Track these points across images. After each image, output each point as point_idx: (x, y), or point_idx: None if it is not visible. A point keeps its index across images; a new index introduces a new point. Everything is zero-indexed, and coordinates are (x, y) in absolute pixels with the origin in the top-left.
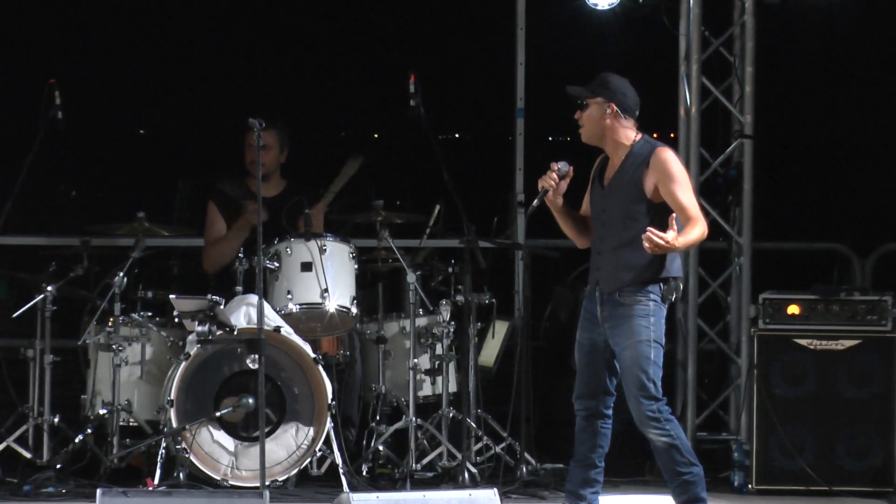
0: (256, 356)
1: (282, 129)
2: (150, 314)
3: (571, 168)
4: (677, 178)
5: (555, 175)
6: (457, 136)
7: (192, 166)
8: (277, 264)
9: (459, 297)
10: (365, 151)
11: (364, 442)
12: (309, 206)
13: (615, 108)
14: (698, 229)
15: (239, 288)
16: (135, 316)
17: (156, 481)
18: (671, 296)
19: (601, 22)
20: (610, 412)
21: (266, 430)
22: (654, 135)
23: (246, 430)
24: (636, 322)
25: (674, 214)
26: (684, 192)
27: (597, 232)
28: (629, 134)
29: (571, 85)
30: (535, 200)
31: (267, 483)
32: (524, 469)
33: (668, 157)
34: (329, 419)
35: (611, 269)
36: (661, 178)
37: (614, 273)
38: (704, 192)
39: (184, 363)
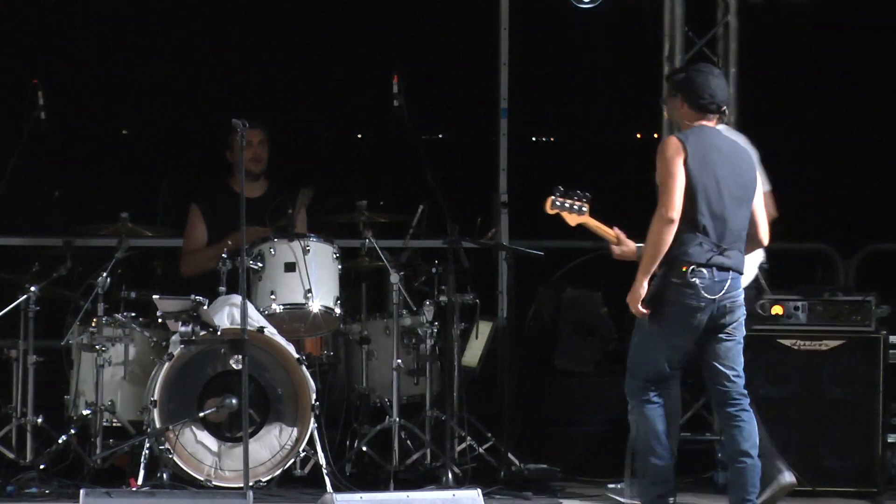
0: (240, 357)
1: (267, 127)
2: (133, 314)
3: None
4: (661, 171)
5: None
6: (440, 136)
7: (175, 167)
8: (261, 265)
9: (443, 298)
10: (314, 183)
11: (348, 442)
12: (292, 207)
13: (681, 99)
14: (653, 228)
15: (222, 288)
16: (118, 316)
17: (139, 482)
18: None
19: (585, 22)
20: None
21: (250, 430)
22: (638, 135)
23: (229, 430)
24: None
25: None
26: (662, 185)
27: None
28: (688, 124)
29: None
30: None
31: (250, 484)
32: (508, 469)
33: (665, 143)
34: (313, 420)
35: None
36: (657, 163)
37: None
38: None
39: (167, 363)
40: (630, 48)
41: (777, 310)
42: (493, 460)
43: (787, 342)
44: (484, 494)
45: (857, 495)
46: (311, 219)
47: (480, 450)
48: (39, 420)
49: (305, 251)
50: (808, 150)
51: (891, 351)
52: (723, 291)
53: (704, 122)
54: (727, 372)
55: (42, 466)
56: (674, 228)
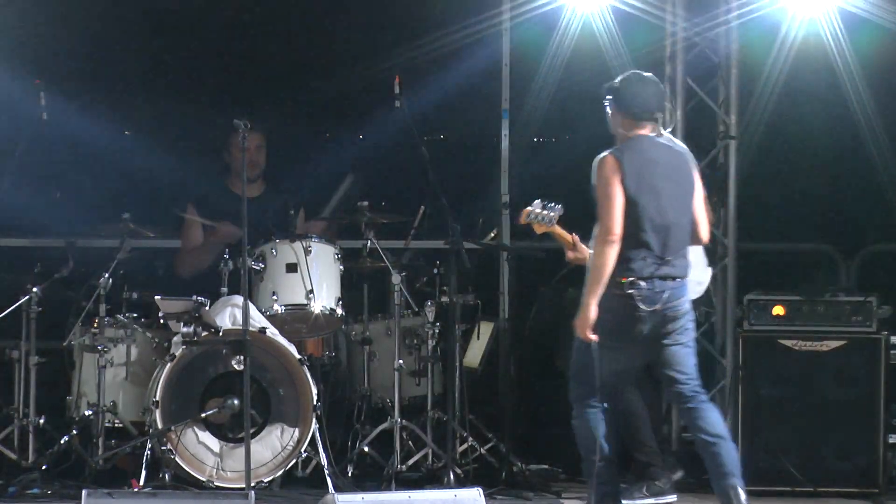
0: (242, 357)
1: (265, 131)
2: (135, 315)
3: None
4: (600, 187)
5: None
6: (442, 137)
7: (176, 168)
8: (263, 265)
9: (444, 298)
10: (356, 171)
11: (349, 443)
12: (292, 208)
13: (614, 108)
14: (597, 249)
15: (224, 289)
16: (120, 317)
17: (141, 482)
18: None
19: (586, 24)
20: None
21: (251, 431)
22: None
23: (231, 431)
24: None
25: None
26: (601, 204)
27: None
28: (623, 134)
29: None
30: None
31: (252, 484)
32: (510, 470)
33: (600, 161)
34: (314, 420)
35: None
36: (595, 182)
37: None
38: None
39: (169, 364)
40: (632, 49)
41: (778, 310)
42: (494, 461)
43: (788, 342)
44: (485, 495)
45: (858, 496)
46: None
47: (482, 450)
48: (41, 421)
49: (307, 252)
50: (809, 150)
51: (892, 351)
52: (664, 301)
53: (640, 132)
54: (677, 376)
55: (44, 467)
56: (616, 249)
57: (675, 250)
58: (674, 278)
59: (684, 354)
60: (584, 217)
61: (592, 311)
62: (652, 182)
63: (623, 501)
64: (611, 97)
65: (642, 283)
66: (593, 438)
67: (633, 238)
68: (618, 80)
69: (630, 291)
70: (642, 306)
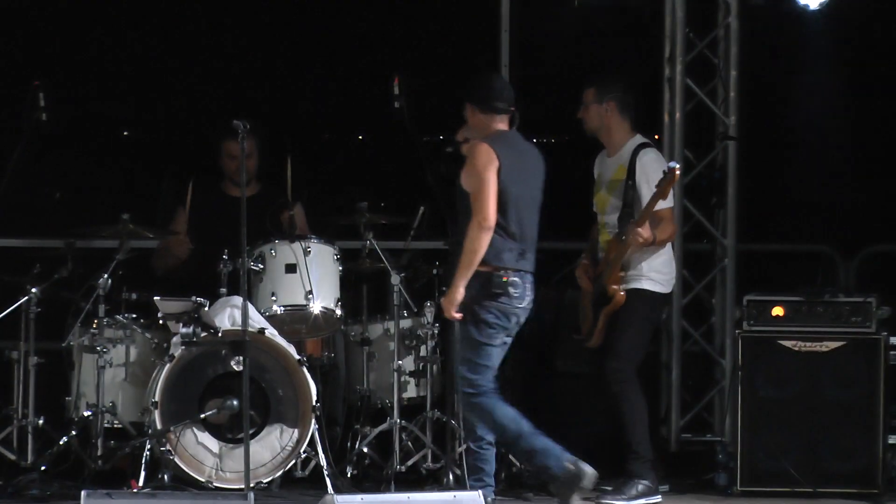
0: (241, 358)
1: (258, 136)
2: (134, 316)
3: None
4: (474, 175)
5: (468, 131)
6: (441, 137)
7: (176, 168)
8: (262, 266)
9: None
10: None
11: (348, 444)
12: (289, 208)
13: (473, 107)
14: (471, 235)
15: (223, 290)
16: (119, 318)
17: (140, 483)
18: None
19: (585, 24)
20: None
21: (251, 431)
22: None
23: (230, 431)
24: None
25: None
26: (475, 192)
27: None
28: (487, 129)
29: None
30: (449, 148)
31: (252, 485)
32: (509, 470)
33: (476, 149)
34: (314, 421)
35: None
36: (465, 173)
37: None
38: (689, 193)
39: (168, 365)
40: (631, 50)
41: (778, 311)
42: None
43: (787, 343)
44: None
45: (857, 496)
46: (311, 220)
47: None
48: (40, 422)
49: (306, 252)
50: (808, 150)
51: (891, 352)
52: (531, 296)
53: (501, 126)
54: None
55: (43, 468)
56: (490, 236)
57: (530, 246)
58: (529, 273)
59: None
60: (587, 216)
61: (461, 293)
62: (520, 175)
63: (611, 500)
64: (470, 95)
65: (516, 278)
66: (512, 417)
67: (502, 228)
68: (475, 78)
69: (509, 288)
70: (517, 301)
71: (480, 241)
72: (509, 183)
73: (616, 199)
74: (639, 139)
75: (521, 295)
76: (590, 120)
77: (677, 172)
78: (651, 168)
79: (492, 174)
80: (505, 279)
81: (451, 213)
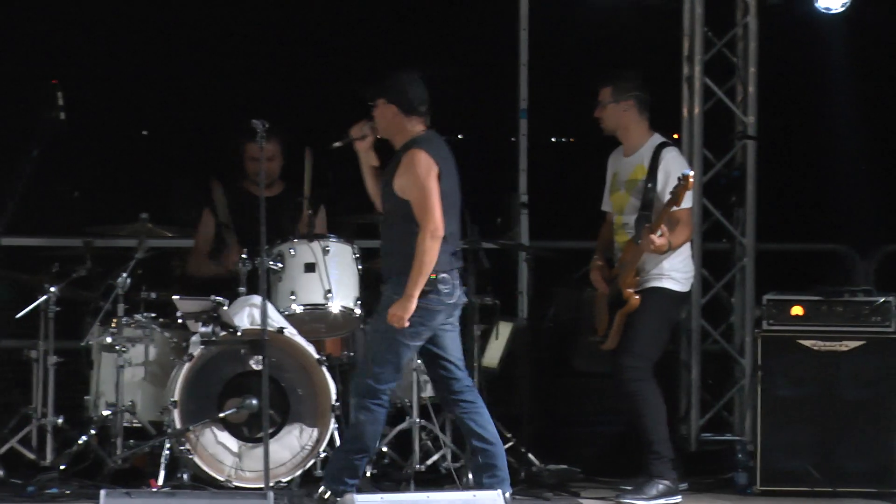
0: (260, 357)
1: (281, 137)
2: (153, 315)
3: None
4: (418, 183)
5: (362, 128)
6: (460, 136)
7: (194, 167)
8: (281, 265)
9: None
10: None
11: None
12: (312, 207)
13: (396, 108)
14: (424, 244)
15: (242, 289)
16: (138, 317)
17: (159, 482)
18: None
19: (604, 23)
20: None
21: (270, 431)
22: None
23: (250, 431)
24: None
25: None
26: (420, 200)
27: (381, 223)
28: (409, 131)
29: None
30: (337, 143)
31: (271, 484)
32: (528, 470)
33: (415, 158)
34: (333, 420)
35: (385, 258)
36: (405, 181)
37: (385, 262)
38: (708, 193)
39: (187, 364)
40: (649, 48)
41: (797, 310)
42: (513, 461)
43: (806, 343)
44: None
45: (875, 496)
46: (330, 220)
47: None
48: (60, 420)
49: (325, 252)
50: (827, 149)
51: None
52: (460, 290)
53: (421, 127)
54: (457, 362)
55: (62, 467)
56: (439, 244)
57: (458, 242)
58: (457, 268)
59: (457, 338)
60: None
61: (414, 304)
62: (449, 177)
63: (631, 500)
64: (391, 95)
65: (447, 276)
66: (374, 436)
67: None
68: (395, 78)
69: (439, 286)
70: (446, 300)
71: (434, 251)
72: (445, 186)
73: (635, 199)
74: (658, 138)
75: (451, 291)
76: (607, 119)
77: (691, 179)
78: (674, 166)
79: (434, 182)
80: (434, 276)
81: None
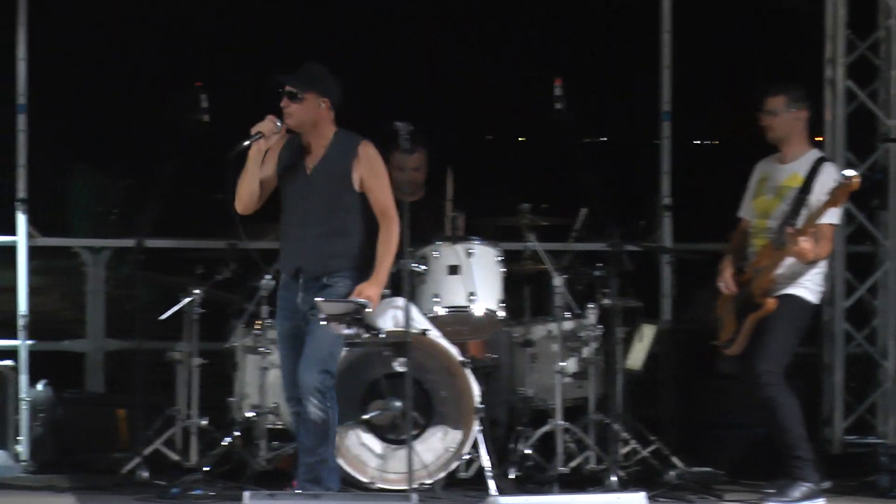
0: (404, 359)
1: (426, 147)
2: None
3: (284, 128)
4: (383, 174)
5: (273, 125)
6: (603, 139)
7: None
8: (424, 268)
9: (606, 301)
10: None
11: (511, 445)
12: (455, 211)
13: (329, 102)
14: (395, 231)
15: (386, 291)
16: None
17: None
18: None
19: (745, 25)
20: None
21: (413, 433)
22: None
23: (393, 433)
24: None
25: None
26: (386, 190)
27: (297, 218)
28: (332, 124)
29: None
30: (247, 142)
31: (414, 486)
32: (671, 472)
33: (375, 152)
34: (476, 422)
35: (316, 255)
36: (367, 173)
37: (321, 260)
38: (851, 196)
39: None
40: (790, 51)
41: None
42: (656, 463)
43: None
44: (648, 497)
45: None
46: (474, 222)
47: (644, 452)
48: (204, 422)
49: (469, 254)
50: None
51: None
52: None
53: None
54: None
55: (206, 468)
56: None
57: None
58: None
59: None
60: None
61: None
62: None
63: (775, 502)
64: (323, 88)
65: None
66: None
67: None
68: (324, 72)
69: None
70: None
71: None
72: None
73: (785, 205)
74: (818, 152)
75: None
76: (779, 127)
77: (856, 181)
78: (831, 180)
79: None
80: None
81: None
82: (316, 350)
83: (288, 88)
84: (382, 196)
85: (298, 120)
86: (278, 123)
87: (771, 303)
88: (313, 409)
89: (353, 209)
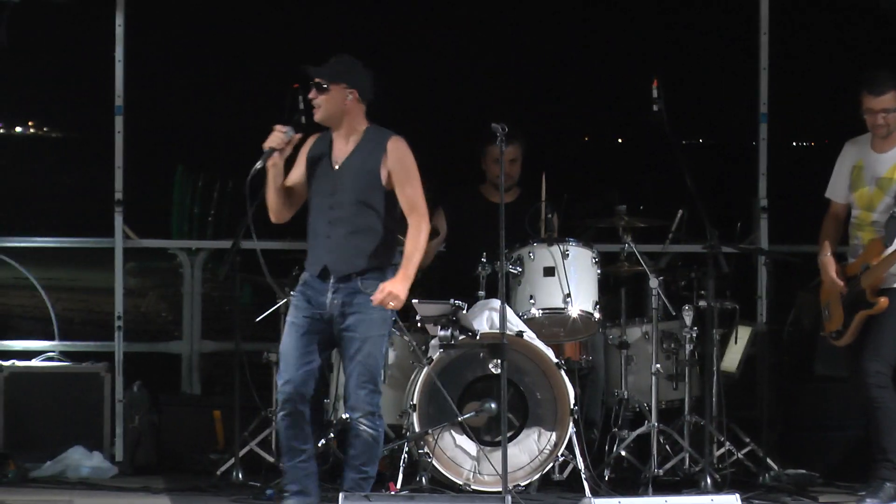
0: (499, 361)
1: (522, 141)
2: (393, 319)
3: (298, 135)
4: (412, 170)
5: (283, 136)
6: (700, 140)
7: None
8: (520, 269)
9: (702, 303)
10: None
11: (606, 447)
12: (550, 212)
13: (357, 94)
14: (424, 228)
15: (481, 293)
16: None
17: (398, 485)
18: None
19: (842, 26)
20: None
21: (509, 434)
22: None
23: (488, 434)
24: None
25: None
26: (416, 186)
27: (324, 216)
28: (363, 119)
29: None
30: (260, 162)
31: (509, 487)
32: (766, 475)
33: (405, 147)
34: (571, 424)
35: (344, 254)
36: (395, 167)
37: (349, 259)
38: None
39: (426, 368)
40: (887, 51)
41: None
42: (751, 465)
43: None
44: (743, 499)
45: None
46: (569, 223)
47: (739, 455)
48: None
49: (564, 256)
50: None
51: None
52: None
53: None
54: None
55: None
56: None
57: None
58: None
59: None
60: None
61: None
62: None
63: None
64: (351, 79)
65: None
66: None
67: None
68: (359, 66)
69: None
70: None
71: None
72: None
73: (889, 198)
74: None
75: None
76: (894, 123)
77: None
78: None
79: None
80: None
81: (707, 217)
82: (366, 369)
83: (315, 80)
84: (411, 191)
85: (326, 112)
86: (287, 132)
87: (883, 301)
88: (365, 429)
89: (382, 207)
